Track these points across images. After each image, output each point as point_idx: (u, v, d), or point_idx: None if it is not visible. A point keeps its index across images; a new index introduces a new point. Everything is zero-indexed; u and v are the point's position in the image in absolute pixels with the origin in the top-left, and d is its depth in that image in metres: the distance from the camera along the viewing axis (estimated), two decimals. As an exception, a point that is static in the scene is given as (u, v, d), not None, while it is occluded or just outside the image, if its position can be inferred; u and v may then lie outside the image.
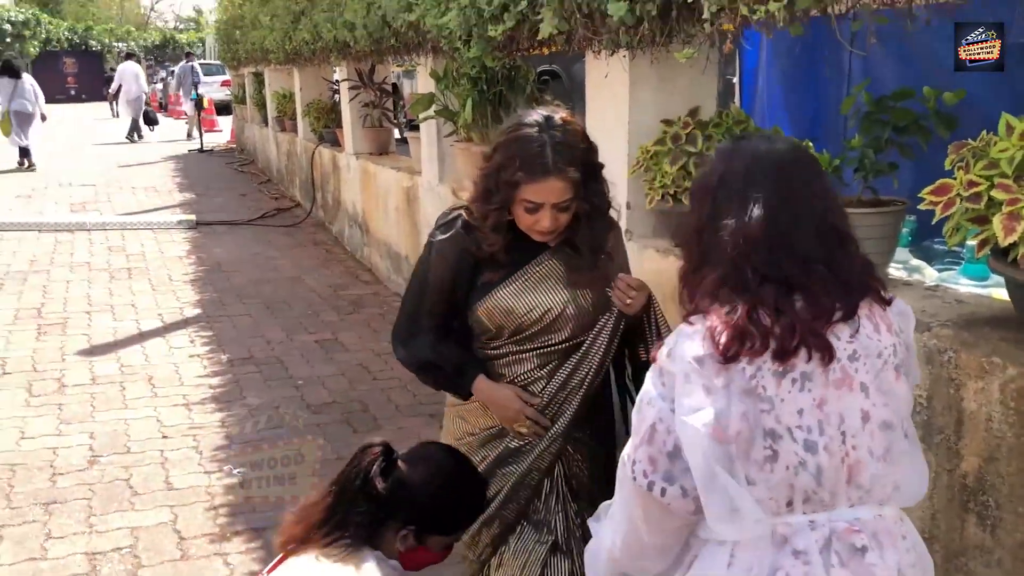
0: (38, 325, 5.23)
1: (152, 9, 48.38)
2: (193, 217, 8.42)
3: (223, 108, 18.39)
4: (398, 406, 3.96)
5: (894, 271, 2.61)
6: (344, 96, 6.78)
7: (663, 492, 1.17)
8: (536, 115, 1.72)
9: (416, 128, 5.22)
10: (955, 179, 1.72)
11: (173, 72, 23.31)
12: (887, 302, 1.23)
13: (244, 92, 12.85)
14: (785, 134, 2.33)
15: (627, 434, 1.83)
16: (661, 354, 1.19)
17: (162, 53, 35.50)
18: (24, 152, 12.38)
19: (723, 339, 1.12)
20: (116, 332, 5.10)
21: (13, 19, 31.37)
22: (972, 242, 1.73)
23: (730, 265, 1.16)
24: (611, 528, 1.32)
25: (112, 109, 24.03)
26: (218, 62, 18.46)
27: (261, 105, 11.16)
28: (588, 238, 1.79)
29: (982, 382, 1.69)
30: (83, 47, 34.18)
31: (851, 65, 4.17)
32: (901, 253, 3.21)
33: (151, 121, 17.79)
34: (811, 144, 2.28)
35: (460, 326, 1.89)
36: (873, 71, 3.92)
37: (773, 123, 4.36)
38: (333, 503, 1.55)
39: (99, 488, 3.23)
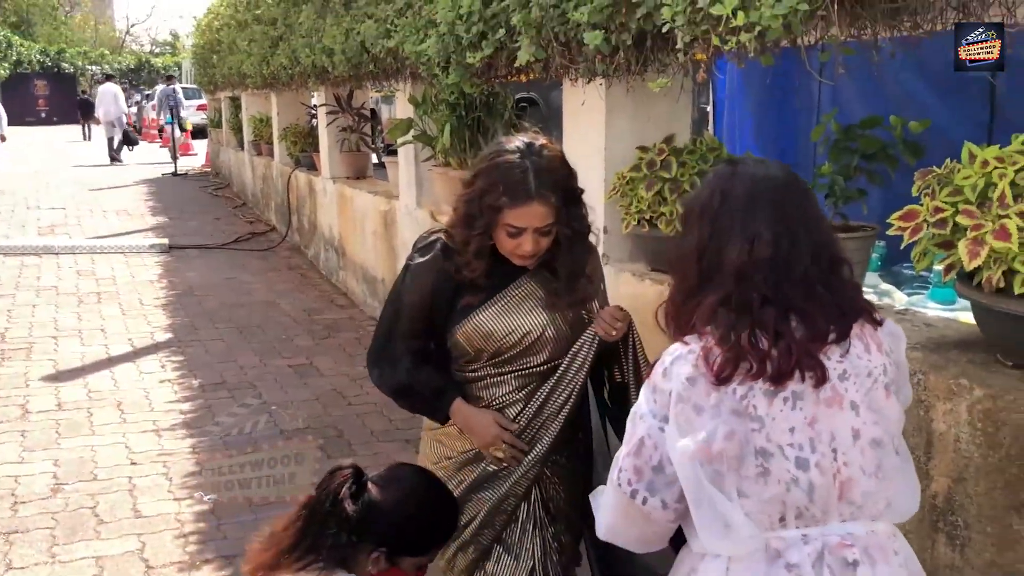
0: (1, 350, 5.10)
1: (127, 32, 48.18)
2: (166, 241, 8.33)
3: (198, 132, 18.28)
4: (373, 431, 3.92)
5: (865, 295, 2.66)
6: (322, 121, 6.79)
7: (644, 501, 1.22)
8: (517, 141, 1.75)
9: (394, 153, 5.24)
10: (922, 205, 1.77)
11: (148, 96, 23.08)
12: (878, 323, 1.26)
13: (220, 116, 12.81)
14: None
15: (608, 451, 1.84)
16: (656, 371, 1.22)
17: (137, 77, 35.29)
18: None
19: (718, 362, 1.15)
20: (84, 357, 5.00)
21: (-17, 41, 31.09)
22: (939, 267, 1.77)
23: (733, 287, 1.18)
24: (602, 511, 1.34)
25: (84, 132, 23.80)
26: (194, 86, 18.34)
27: (237, 129, 11.13)
28: (568, 262, 1.81)
29: (950, 403, 1.72)
30: (55, 69, 33.92)
31: (821, 94, 4.28)
32: (871, 277, 3.28)
33: (131, 141, 17.60)
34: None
35: (437, 349, 1.89)
36: (841, 100, 4.02)
37: (744, 150, 4.44)
38: (303, 527, 1.53)
39: (63, 517, 3.14)
